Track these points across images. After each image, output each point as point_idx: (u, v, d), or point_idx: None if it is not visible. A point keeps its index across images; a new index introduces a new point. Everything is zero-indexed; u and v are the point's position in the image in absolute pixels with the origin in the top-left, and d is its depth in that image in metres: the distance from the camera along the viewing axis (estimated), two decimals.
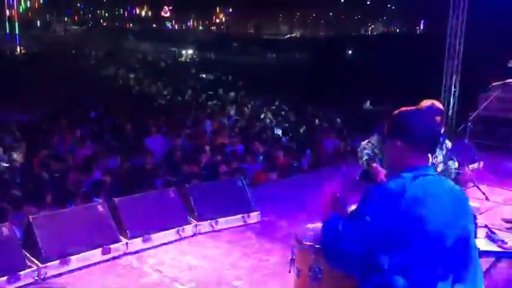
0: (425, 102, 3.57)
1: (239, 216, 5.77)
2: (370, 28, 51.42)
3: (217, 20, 62.57)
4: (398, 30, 44.74)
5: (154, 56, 33.67)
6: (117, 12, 59.97)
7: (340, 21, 51.13)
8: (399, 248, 1.97)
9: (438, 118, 3.50)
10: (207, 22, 61.49)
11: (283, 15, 57.27)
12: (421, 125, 2.10)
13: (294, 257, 2.83)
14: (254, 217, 5.89)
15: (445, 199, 2.03)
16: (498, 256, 3.23)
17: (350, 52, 32.49)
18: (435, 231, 1.98)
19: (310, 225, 3.06)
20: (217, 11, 60.45)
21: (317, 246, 2.69)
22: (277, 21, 56.97)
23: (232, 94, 19.38)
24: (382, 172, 3.83)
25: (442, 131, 3.58)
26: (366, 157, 4.00)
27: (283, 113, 15.26)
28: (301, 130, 12.83)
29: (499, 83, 6.72)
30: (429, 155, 2.14)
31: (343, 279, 2.64)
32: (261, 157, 9.47)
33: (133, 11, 60.63)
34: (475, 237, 2.21)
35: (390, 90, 16.52)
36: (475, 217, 2.31)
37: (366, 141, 4.16)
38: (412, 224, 1.96)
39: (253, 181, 8.28)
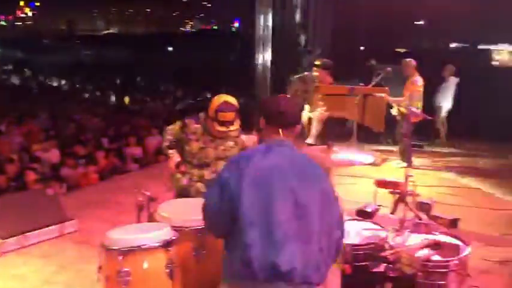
0: (217, 99, 3.73)
1: (53, 227, 5.36)
2: (189, 25, 52.22)
3: (23, 15, 56.86)
4: (216, 27, 46.27)
5: None
6: None
7: (159, 18, 50.80)
8: (242, 208, 2.23)
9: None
10: (10, 17, 55.41)
11: (98, 11, 54.62)
12: (268, 107, 2.50)
13: (101, 263, 2.73)
14: (70, 226, 5.53)
15: (287, 167, 2.32)
16: None
17: (170, 48, 32.58)
18: (272, 194, 2.25)
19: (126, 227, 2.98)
20: (22, 5, 54.89)
21: (123, 248, 2.63)
22: (92, 17, 54.12)
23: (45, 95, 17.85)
24: (173, 161, 3.85)
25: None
26: (165, 143, 4.00)
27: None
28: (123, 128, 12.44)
29: (297, 76, 7.38)
30: (281, 130, 2.43)
31: (152, 279, 2.65)
32: (83, 160, 8.98)
33: None
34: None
35: (208, 84, 17.07)
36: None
37: (171, 126, 4.09)
38: (252, 186, 2.26)
39: (75, 186, 7.83)
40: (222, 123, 3.61)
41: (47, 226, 5.31)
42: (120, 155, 9.84)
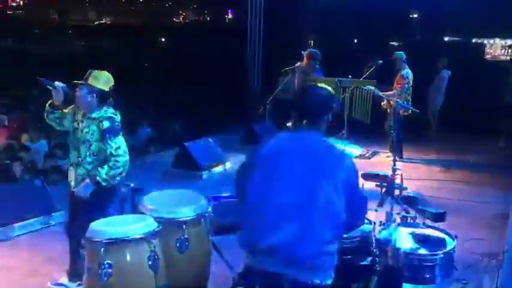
0: None
1: (40, 218, 5.33)
2: (182, 16, 51.80)
3: (14, 4, 56.21)
4: (208, 18, 45.98)
5: None
6: None
7: (151, 9, 50.39)
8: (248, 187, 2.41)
9: None
10: (1, 6, 54.77)
11: (90, 1, 54.09)
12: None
13: (84, 254, 2.70)
14: (58, 217, 5.49)
15: (295, 154, 2.39)
16: None
17: (163, 40, 32.36)
18: (271, 178, 2.37)
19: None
20: None
21: (106, 240, 2.61)
22: (84, 7, 53.57)
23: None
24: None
25: None
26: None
27: None
28: None
29: (290, 67, 7.39)
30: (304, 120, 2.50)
31: (134, 271, 2.62)
32: None
33: None
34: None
35: (201, 77, 16.96)
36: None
37: None
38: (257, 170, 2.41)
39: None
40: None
41: (35, 217, 5.27)
42: None
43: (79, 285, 3.80)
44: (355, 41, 15.04)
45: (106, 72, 3.76)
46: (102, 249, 2.57)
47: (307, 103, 2.52)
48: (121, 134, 3.62)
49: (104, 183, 3.47)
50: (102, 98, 3.65)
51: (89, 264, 2.67)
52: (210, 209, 3.16)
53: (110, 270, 2.56)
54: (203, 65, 18.88)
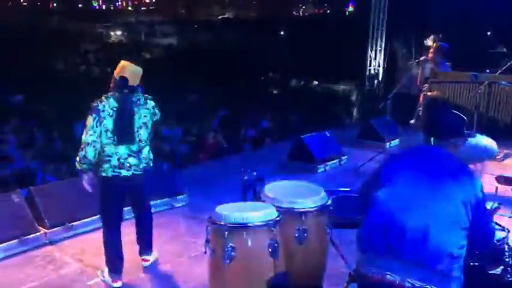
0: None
1: (166, 199, 5.68)
2: (301, 9, 51.83)
3: (147, 0, 60.69)
4: (328, 11, 45.42)
5: (81, 37, 32.10)
6: None
7: (272, 2, 51.15)
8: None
9: None
10: (136, 2, 59.44)
11: None
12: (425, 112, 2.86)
13: (208, 237, 2.83)
14: (182, 200, 5.84)
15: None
16: None
17: (282, 33, 32.72)
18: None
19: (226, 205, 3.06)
20: None
21: (230, 225, 2.71)
22: (209, 2, 56.03)
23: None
24: None
25: None
26: None
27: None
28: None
29: (414, 61, 7.04)
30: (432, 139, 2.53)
31: (255, 257, 2.68)
32: (194, 138, 9.45)
33: None
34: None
35: (321, 71, 16.89)
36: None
37: None
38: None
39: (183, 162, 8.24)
40: None
41: (162, 198, 5.62)
42: (231, 136, 10.22)
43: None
44: (488, 33, 13.84)
45: (125, 62, 3.90)
46: (226, 232, 2.68)
47: (437, 124, 2.52)
48: (94, 115, 3.65)
49: (78, 167, 3.73)
50: (114, 83, 3.83)
51: (213, 246, 2.80)
52: (329, 202, 3.14)
53: (232, 254, 2.67)
54: (322, 58, 18.78)
